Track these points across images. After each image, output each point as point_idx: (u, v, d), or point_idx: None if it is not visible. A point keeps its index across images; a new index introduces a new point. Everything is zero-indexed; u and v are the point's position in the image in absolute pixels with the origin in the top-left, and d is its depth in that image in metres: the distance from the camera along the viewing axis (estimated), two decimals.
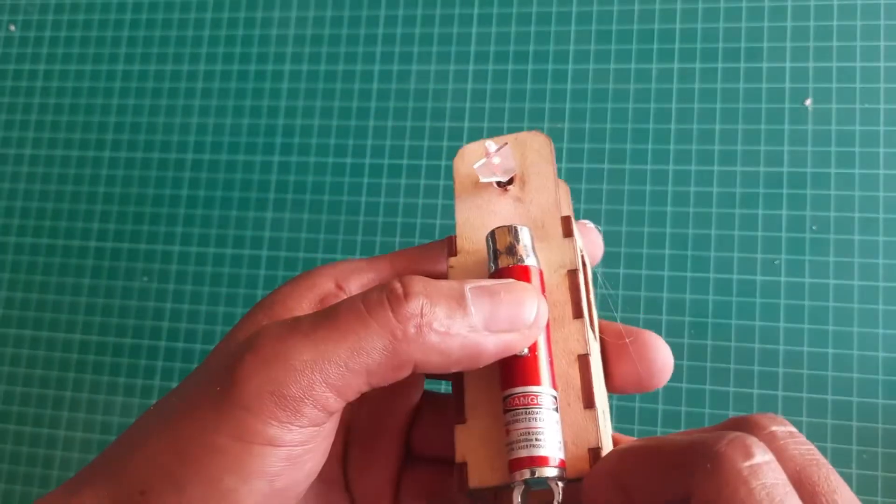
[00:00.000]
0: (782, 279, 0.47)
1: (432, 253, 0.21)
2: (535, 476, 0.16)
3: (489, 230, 0.19)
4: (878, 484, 0.44)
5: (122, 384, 0.54)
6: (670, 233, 0.49)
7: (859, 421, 0.45)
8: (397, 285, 0.16)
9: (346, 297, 0.19)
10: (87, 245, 0.56)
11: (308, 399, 0.15)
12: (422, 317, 0.15)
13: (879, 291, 0.46)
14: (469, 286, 0.16)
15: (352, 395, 0.15)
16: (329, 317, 0.15)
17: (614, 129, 0.51)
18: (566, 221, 0.19)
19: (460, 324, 0.15)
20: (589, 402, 0.17)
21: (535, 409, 0.16)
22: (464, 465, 0.17)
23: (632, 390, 0.19)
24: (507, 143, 0.20)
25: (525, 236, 0.18)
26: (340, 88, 0.55)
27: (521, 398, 0.16)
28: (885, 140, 0.48)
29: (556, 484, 0.16)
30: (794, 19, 0.50)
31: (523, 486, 0.16)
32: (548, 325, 0.17)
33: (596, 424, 0.17)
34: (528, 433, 0.16)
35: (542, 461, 0.16)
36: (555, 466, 0.16)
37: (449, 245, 0.19)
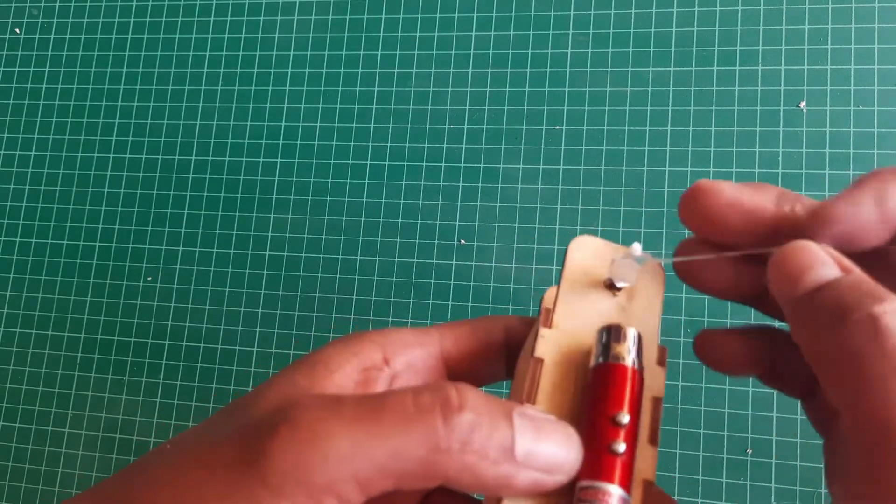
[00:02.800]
0: None
1: (482, 331, 0.21)
2: None
3: (588, 321, 0.19)
4: None
5: (126, 382, 0.54)
6: (667, 233, 0.49)
7: None
8: (453, 393, 0.15)
9: (388, 371, 0.19)
10: (91, 245, 0.56)
11: (332, 491, 0.14)
12: (470, 433, 0.14)
13: None
14: (517, 412, 0.15)
15: (375, 493, 0.15)
16: (375, 408, 0.15)
17: (611, 131, 0.51)
18: (662, 351, 0.19)
19: (499, 449, 0.15)
20: None
21: None
22: None
23: None
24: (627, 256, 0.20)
25: (634, 339, 0.18)
26: (342, 91, 0.55)
27: (594, 493, 0.16)
28: (879, 142, 0.48)
29: None
30: (789, 22, 0.50)
31: None
32: (636, 419, 0.17)
33: None
34: None
35: None
36: None
37: (545, 315, 0.19)
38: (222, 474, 0.14)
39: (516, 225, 0.51)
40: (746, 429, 0.46)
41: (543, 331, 0.19)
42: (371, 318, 0.52)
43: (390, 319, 0.51)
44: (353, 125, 0.54)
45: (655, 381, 0.19)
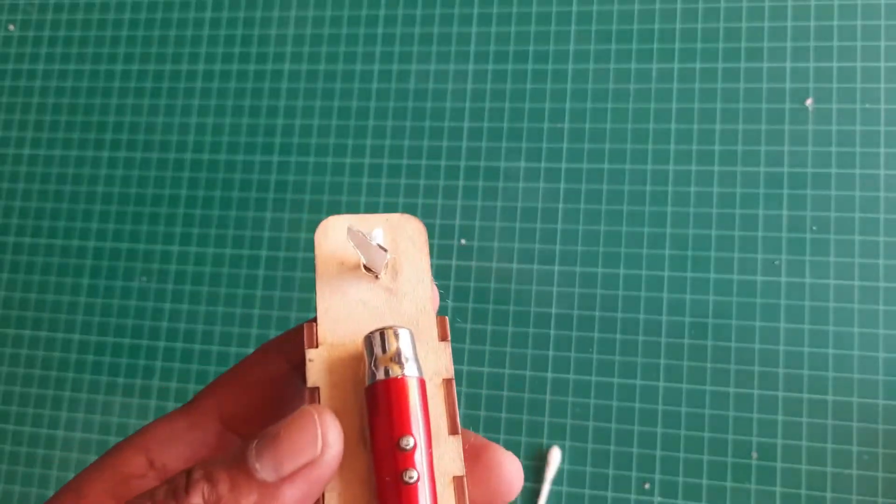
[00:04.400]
0: (783, 279, 0.47)
1: (259, 373, 0.19)
2: None
3: (356, 321, 0.17)
4: (879, 485, 0.44)
5: (121, 384, 0.53)
6: (670, 233, 0.49)
7: (860, 422, 0.45)
8: (181, 479, 0.15)
9: (154, 474, 0.17)
10: (85, 245, 0.56)
11: None
12: (212, 500, 0.14)
13: (880, 292, 0.46)
14: (254, 442, 0.15)
15: None
16: None
17: (614, 129, 0.51)
18: (442, 323, 0.18)
19: (248, 489, 0.14)
20: None
21: None
22: None
23: None
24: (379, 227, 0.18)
25: (407, 341, 0.16)
26: (340, 88, 0.55)
27: None
28: (885, 140, 0.48)
29: None
30: (795, 19, 0.50)
31: None
32: (429, 444, 0.16)
33: None
34: None
35: None
36: None
37: (308, 335, 0.17)
38: None
39: (517, 224, 0.50)
40: (751, 432, 0.46)
41: (310, 353, 0.17)
42: None
43: None
44: (351, 123, 0.54)
45: (440, 360, 0.17)
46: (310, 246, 0.53)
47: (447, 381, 0.17)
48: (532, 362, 0.49)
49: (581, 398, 0.48)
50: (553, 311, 0.49)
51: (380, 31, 0.55)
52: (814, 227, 0.47)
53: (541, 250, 0.50)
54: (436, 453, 0.16)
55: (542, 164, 0.51)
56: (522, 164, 0.51)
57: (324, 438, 0.15)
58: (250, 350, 0.52)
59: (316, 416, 0.15)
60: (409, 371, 0.16)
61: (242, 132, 0.55)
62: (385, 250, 0.17)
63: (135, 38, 0.58)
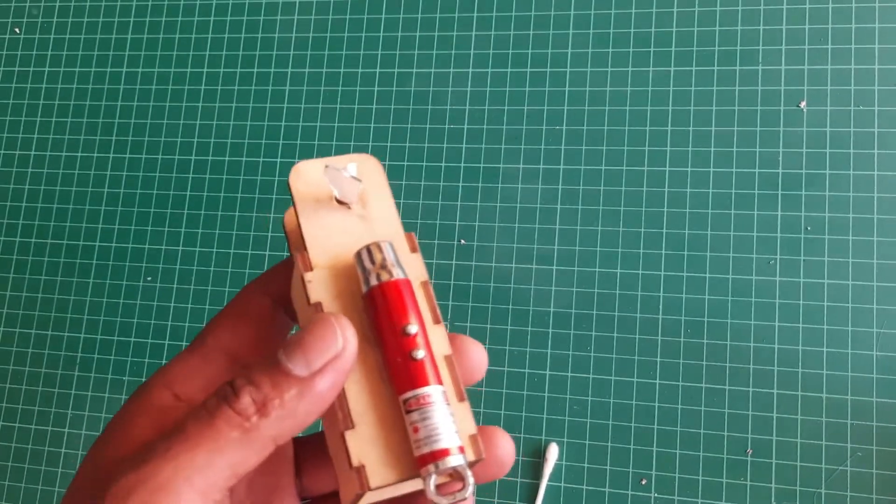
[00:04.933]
0: (777, 279, 0.48)
1: (250, 310, 0.22)
2: (443, 467, 0.17)
3: (340, 245, 0.20)
4: (873, 481, 0.45)
5: (126, 382, 0.54)
6: (667, 233, 0.49)
7: (854, 419, 0.46)
8: (227, 388, 0.17)
9: (183, 406, 0.19)
10: (90, 245, 0.56)
11: None
12: (254, 402, 0.17)
13: (874, 291, 0.47)
14: (282, 350, 0.17)
15: (218, 494, 0.16)
16: (179, 433, 0.17)
17: (611, 131, 0.51)
18: (410, 238, 0.20)
19: (288, 385, 0.17)
20: (461, 396, 0.19)
21: (430, 409, 0.17)
22: (361, 467, 0.18)
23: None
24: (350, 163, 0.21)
25: (390, 252, 0.19)
26: (342, 90, 0.55)
27: (418, 400, 0.18)
28: (879, 142, 0.48)
29: (465, 468, 0.17)
30: (790, 22, 0.50)
31: (433, 476, 0.17)
32: (424, 329, 0.19)
33: (470, 414, 0.19)
34: (430, 429, 0.17)
35: (445, 453, 0.17)
36: (458, 455, 0.17)
37: (303, 262, 0.19)
38: None
39: (516, 225, 0.51)
40: (746, 429, 0.46)
41: (307, 275, 0.19)
42: None
43: None
44: (353, 125, 0.54)
45: (416, 268, 0.20)
46: None
47: (424, 283, 0.20)
48: (530, 360, 0.49)
49: (579, 395, 0.48)
50: (551, 309, 0.50)
51: (381, 34, 0.55)
52: (808, 228, 0.48)
53: (539, 250, 0.50)
54: (429, 338, 0.19)
55: (541, 166, 0.51)
56: (521, 165, 0.52)
57: (343, 335, 0.17)
58: None
59: (333, 320, 0.18)
60: (398, 274, 0.19)
61: (246, 134, 0.56)
62: (359, 180, 0.20)
63: (139, 42, 0.59)
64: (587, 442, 0.48)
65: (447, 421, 0.17)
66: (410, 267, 0.20)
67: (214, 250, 0.54)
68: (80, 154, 0.58)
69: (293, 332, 0.20)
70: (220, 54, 0.57)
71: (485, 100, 0.53)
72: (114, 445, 0.18)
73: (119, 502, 0.16)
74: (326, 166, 0.19)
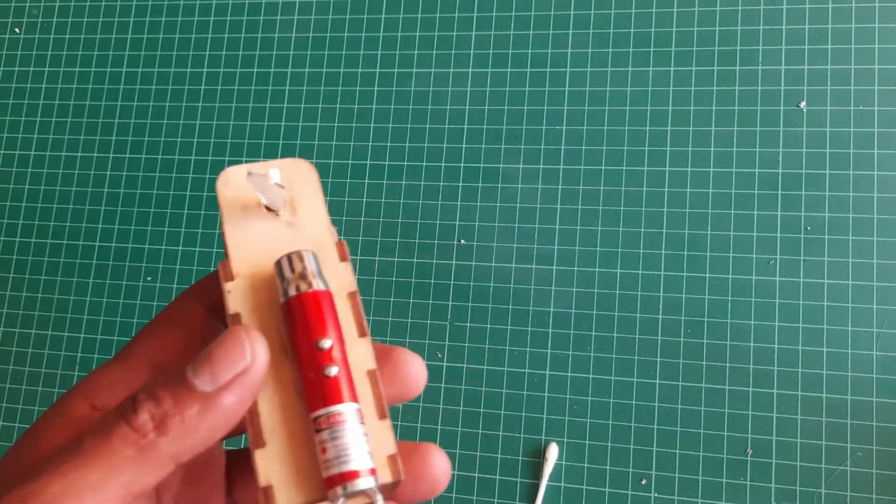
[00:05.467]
0: (777, 279, 0.48)
1: (179, 323, 0.21)
2: (350, 490, 0.16)
3: (264, 253, 0.19)
4: (873, 481, 0.45)
5: None
6: (667, 233, 0.49)
7: (854, 419, 0.46)
8: (128, 402, 0.16)
9: (98, 417, 0.18)
10: (90, 245, 0.56)
11: None
12: (153, 419, 0.16)
13: (874, 291, 0.47)
14: (190, 364, 0.17)
15: None
16: (75, 448, 0.16)
17: (611, 130, 0.51)
18: (340, 246, 0.20)
19: (191, 401, 0.16)
20: (382, 414, 0.18)
21: (342, 428, 0.17)
22: (269, 487, 0.17)
23: (394, 402, 0.20)
24: (274, 168, 0.20)
25: (312, 261, 0.19)
26: (342, 90, 0.55)
27: (328, 418, 0.17)
28: (879, 142, 0.48)
29: (375, 492, 0.17)
30: (790, 22, 0.50)
31: (341, 499, 0.17)
32: (342, 343, 0.18)
33: (391, 433, 0.18)
34: (339, 450, 0.17)
35: (354, 475, 0.17)
36: (368, 477, 0.17)
37: (223, 271, 0.19)
38: None
39: (516, 225, 0.51)
40: (746, 429, 0.46)
41: (227, 285, 0.19)
42: (371, 317, 0.52)
43: (390, 319, 0.51)
44: (353, 125, 0.54)
45: (343, 278, 0.19)
46: None
47: (351, 294, 0.19)
48: (530, 360, 0.49)
49: (579, 395, 0.48)
50: (551, 309, 0.50)
51: (381, 34, 0.55)
52: (808, 228, 0.48)
53: (539, 250, 0.50)
54: (350, 352, 0.18)
55: (541, 166, 0.52)
56: (521, 165, 0.52)
57: (252, 349, 0.17)
58: None
59: (243, 333, 0.17)
60: (318, 285, 0.18)
61: (246, 134, 0.56)
62: (282, 187, 0.19)
63: (139, 42, 0.59)
64: (587, 442, 0.48)
65: (359, 441, 0.17)
66: (337, 277, 0.19)
67: (214, 250, 0.54)
68: (80, 154, 0.58)
69: None
70: (220, 54, 0.57)
71: (485, 100, 0.53)
72: (18, 456, 0.18)
73: None
74: (249, 173, 0.19)
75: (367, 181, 0.53)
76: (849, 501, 0.45)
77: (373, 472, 0.17)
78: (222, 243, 0.20)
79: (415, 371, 0.20)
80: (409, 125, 0.54)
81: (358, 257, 0.53)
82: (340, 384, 0.17)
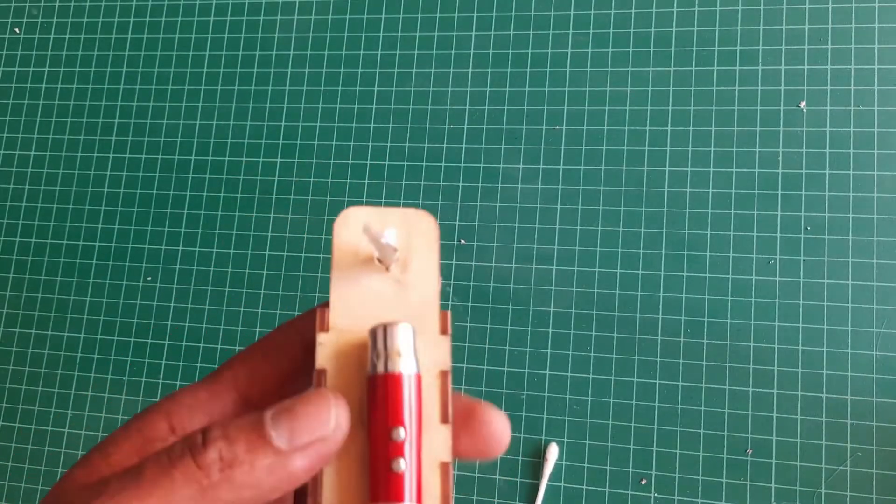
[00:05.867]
0: (777, 279, 0.48)
1: (274, 353, 0.20)
2: None
3: (365, 310, 0.18)
4: (873, 481, 0.45)
5: (126, 382, 0.54)
6: (666, 233, 0.49)
7: (854, 419, 0.46)
8: (197, 437, 0.16)
9: (175, 439, 0.18)
10: (90, 244, 0.56)
11: None
12: (221, 460, 0.15)
13: (874, 291, 0.47)
14: (270, 412, 0.16)
15: None
16: (135, 474, 0.16)
17: (611, 130, 0.51)
18: (444, 317, 0.19)
19: (263, 453, 0.16)
20: None
21: None
22: None
23: (472, 459, 0.19)
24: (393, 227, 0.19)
25: (408, 338, 0.18)
26: (342, 91, 0.55)
27: None
28: (879, 141, 0.48)
29: None
30: (790, 22, 0.50)
31: None
32: (419, 432, 0.17)
33: None
34: None
35: None
36: None
37: (320, 319, 0.18)
38: None
39: (516, 225, 0.51)
40: (746, 429, 0.46)
41: (321, 336, 0.18)
42: None
43: None
44: (353, 125, 0.54)
45: (438, 353, 0.18)
46: (312, 246, 0.53)
47: (443, 373, 0.18)
48: (530, 360, 0.49)
49: (579, 395, 0.48)
50: (551, 309, 0.50)
51: (381, 34, 0.55)
52: (808, 228, 0.48)
53: (539, 250, 0.50)
54: (426, 439, 0.17)
55: (541, 166, 0.51)
56: (521, 165, 0.52)
57: (336, 419, 0.16)
58: None
59: (332, 399, 0.16)
60: (406, 368, 0.17)
61: (246, 134, 0.56)
62: (395, 249, 0.19)
63: (139, 42, 0.59)
64: (587, 442, 0.48)
65: None
66: (433, 351, 0.18)
67: (214, 250, 0.54)
68: (80, 154, 0.58)
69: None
70: (220, 54, 0.57)
71: (485, 100, 0.53)
72: (87, 469, 0.18)
73: None
74: (364, 224, 0.18)
75: (367, 181, 0.53)
76: (849, 501, 0.45)
77: None
78: (328, 285, 0.19)
79: (498, 431, 0.19)
80: (409, 125, 0.54)
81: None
82: (405, 482, 0.16)
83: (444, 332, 0.18)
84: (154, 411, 0.19)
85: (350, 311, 0.18)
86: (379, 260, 0.19)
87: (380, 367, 0.17)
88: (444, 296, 0.52)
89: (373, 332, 0.18)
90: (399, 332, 0.17)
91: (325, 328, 0.18)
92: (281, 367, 0.20)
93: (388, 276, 0.19)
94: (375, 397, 0.17)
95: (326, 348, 0.18)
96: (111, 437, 0.18)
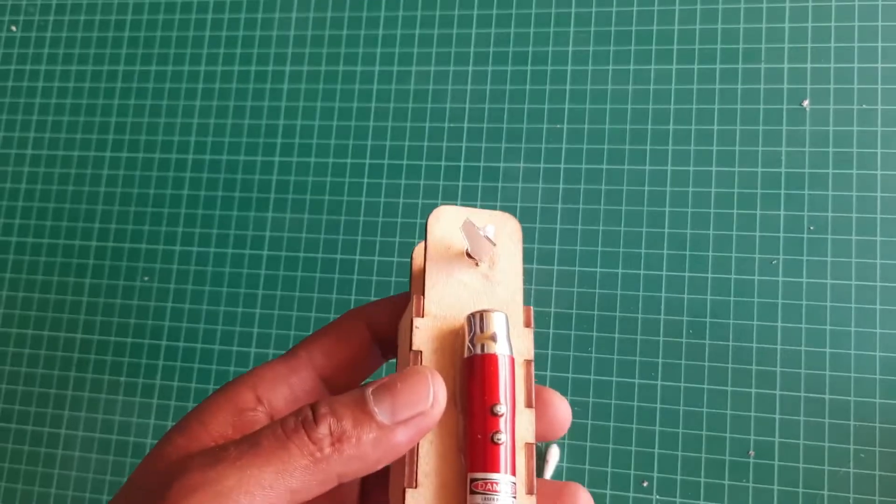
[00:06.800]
0: (780, 279, 0.47)
1: (347, 335, 0.22)
2: None
3: (456, 300, 0.20)
4: (876, 483, 0.45)
5: (124, 383, 0.54)
6: (668, 233, 0.49)
7: (857, 420, 0.45)
8: (308, 412, 0.17)
9: (263, 409, 0.20)
10: (87, 245, 0.56)
11: None
12: (331, 435, 0.17)
13: (877, 291, 0.46)
14: (371, 389, 0.18)
15: None
16: (253, 444, 0.17)
17: (612, 129, 0.51)
18: (527, 311, 0.20)
19: (369, 428, 0.17)
20: (531, 489, 0.18)
21: (495, 497, 0.17)
22: None
23: (538, 440, 0.21)
24: (487, 223, 0.21)
25: (503, 324, 0.19)
26: (340, 89, 0.55)
27: (485, 484, 0.18)
28: (882, 141, 0.48)
29: None
30: (792, 20, 0.50)
31: None
32: (514, 412, 0.19)
33: None
34: None
35: None
36: None
37: (416, 305, 0.20)
38: None
39: None
40: (749, 431, 0.46)
41: (417, 321, 0.19)
42: None
43: None
44: (352, 123, 0.54)
45: (524, 343, 0.20)
46: (310, 246, 0.53)
47: (528, 362, 0.20)
48: None
49: (580, 396, 0.48)
50: (552, 310, 0.49)
51: (380, 32, 0.55)
52: (811, 227, 0.48)
53: (540, 250, 0.50)
54: (516, 421, 0.19)
55: (541, 165, 0.51)
56: (521, 164, 0.52)
57: (435, 395, 0.18)
58: (252, 349, 0.52)
59: (430, 376, 0.18)
60: (503, 350, 0.19)
61: (244, 133, 0.56)
62: (493, 244, 0.20)
63: (137, 40, 0.59)
64: (588, 444, 0.48)
65: None
66: (519, 342, 0.19)
67: (212, 250, 0.54)
68: (76, 153, 0.58)
69: (383, 368, 0.20)
70: (218, 52, 0.57)
71: (485, 98, 0.53)
72: (188, 435, 0.19)
73: (182, 497, 0.16)
74: (466, 220, 0.19)
75: (366, 180, 0.53)
76: (852, 503, 0.45)
77: None
78: (409, 269, 0.21)
79: (562, 413, 0.20)
80: (408, 124, 0.53)
81: (357, 257, 0.52)
82: (503, 454, 0.18)
83: (527, 324, 0.20)
84: (241, 383, 0.20)
85: (442, 300, 0.20)
86: (469, 255, 0.20)
87: (478, 348, 0.19)
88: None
89: (470, 318, 0.19)
90: (495, 318, 0.19)
91: (420, 314, 0.20)
92: (352, 349, 0.22)
93: (477, 271, 0.20)
94: (475, 375, 0.18)
95: (422, 332, 0.19)
96: (204, 406, 0.20)
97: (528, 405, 0.19)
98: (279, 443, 0.17)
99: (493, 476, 0.17)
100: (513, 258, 0.20)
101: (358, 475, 0.17)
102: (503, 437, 0.18)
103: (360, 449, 0.17)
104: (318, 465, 0.17)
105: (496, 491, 0.17)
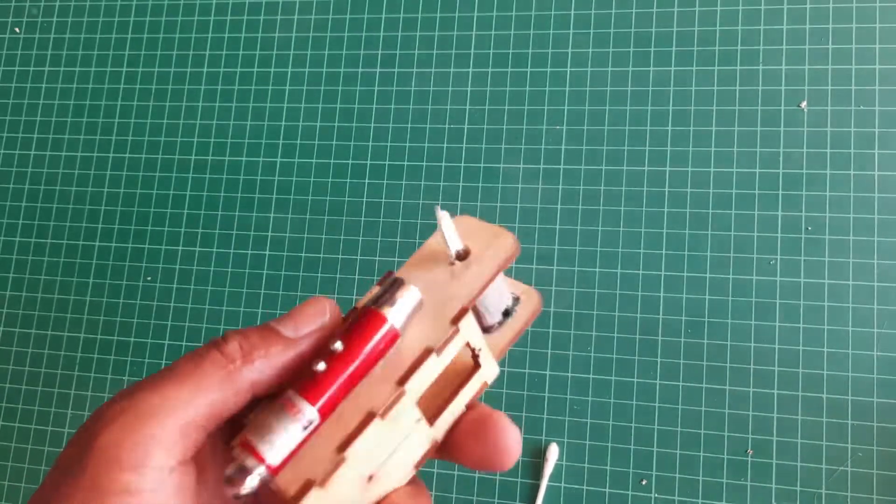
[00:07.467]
0: (778, 279, 0.48)
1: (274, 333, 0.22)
2: (242, 463, 0.17)
3: (419, 283, 0.20)
4: (874, 481, 0.45)
5: (126, 382, 0.54)
6: (667, 233, 0.49)
7: (854, 419, 0.46)
8: (218, 338, 0.19)
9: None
10: (90, 245, 0.56)
11: (155, 439, 0.17)
12: (241, 349, 0.18)
13: (874, 291, 0.47)
14: (273, 321, 0.20)
15: (195, 432, 0.18)
16: (169, 371, 0.18)
17: (612, 130, 0.51)
18: (461, 312, 0.20)
19: (276, 342, 0.19)
20: (342, 448, 0.18)
21: (287, 417, 0.18)
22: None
23: (482, 469, 0.21)
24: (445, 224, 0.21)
25: (410, 300, 0.19)
26: (342, 90, 0.55)
27: (289, 401, 0.18)
28: (879, 142, 0.48)
29: (253, 477, 0.17)
30: (790, 22, 0.50)
31: (235, 469, 0.18)
32: (360, 370, 0.19)
33: (333, 469, 0.18)
34: (269, 428, 0.18)
35: (259, 457, 0.17)
36: (261, 464, 0.17)
37: (385, 277, 0.21)
38: (66, 473, 0.17)
39: (517, 225, 0.51)
40: (747, 429, 0.46)
41: (374, 288, 0.20)
42: None
43: None
44: (353, 125, 0.54)
45: (436, 336, 0.19)
46: (312, 246, 0.53)
47: (426, 350, 0.19)
48: (530, 360, 0.49)
49: (579, 396, 0.48)
50: (552, 309, 0.50)
51: (381, 34, 0.55)
52: (809, 228, 0.48)
53: (540, 250, 0.50)
54: (373, 390, 0.19)
55: (541, 166, 0.51)
56: (521, 165, 0.52)
57: (331, 313, 0.20)
58: None
59: (326, 300, 0.20)
60: (390, 316, 0.19)
61: (246, 134, 0.56)
62: (462, 247, 0.21)
63: (139, 42, 0.59)
64: (587, 442, 0.48)
65: (281, 434, 0.17)
66: (431, 332, 0.19)
67: (214, 250, 0.54)
68: (80, 154, 0.58)
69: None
70: (220, 54, 0.57)
71: (485, 99, 0.53)
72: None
73: (108, 424, 0.17)
74: (438, 207, 0.20)
75: (367, 181, 0.53)
76: (849, 502, 0.45)
77: (271, 469, 0.17)
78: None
79: (508, 443, 0.20)
80: (409, 125, 0.54)
81: (358, 257, 0.53)
82: (315, 382, 0.18)
83: (453, 323, 0.19)
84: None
85: (408, 277, 0.21)
86: (456, 258, 0.21)
87: (369, 302, 0.19)
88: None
89: (387, 277, 0.20)
90: (407, 290, 0.19)
91: (381, 284, 0.20)
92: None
93: (448, 268, 0.21)
94: (351, 321, 0.19)
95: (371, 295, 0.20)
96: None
97: (399, 383, 0.19)
98: (193, 364, 0.18)
99: (298, 399, 0.18)
100: (486, 268, 0.20)
101: (269, 385, 0.19)
102: (321, 366, 0.18)
103: (270, 360, 0.18)
104: (231, 376, 0.18)
105: (288, 409, 0.18)
